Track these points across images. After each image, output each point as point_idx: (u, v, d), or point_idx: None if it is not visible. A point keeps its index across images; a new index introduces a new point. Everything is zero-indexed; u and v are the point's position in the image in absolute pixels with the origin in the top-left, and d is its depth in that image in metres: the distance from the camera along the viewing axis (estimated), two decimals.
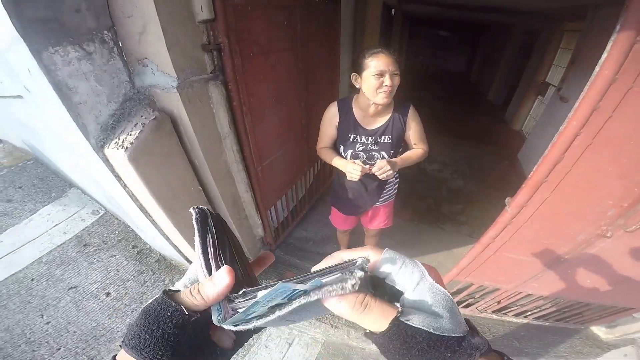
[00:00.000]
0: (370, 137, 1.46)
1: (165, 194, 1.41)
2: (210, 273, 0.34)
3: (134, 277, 2.37)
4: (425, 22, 12.02)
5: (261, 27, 1.47)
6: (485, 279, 1.74)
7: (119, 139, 1.20)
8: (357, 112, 1.46)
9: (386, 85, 1.26)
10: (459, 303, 2.10)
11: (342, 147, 1.53)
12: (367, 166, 1.39)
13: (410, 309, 0.30)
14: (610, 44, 0.85)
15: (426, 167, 4.13)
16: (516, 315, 2.12)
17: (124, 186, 1.40)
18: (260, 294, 0.29)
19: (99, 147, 1.24)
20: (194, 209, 0.38)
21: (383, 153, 1.48)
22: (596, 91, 0.89)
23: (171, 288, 0.36)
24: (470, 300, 2.07)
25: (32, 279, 2.52)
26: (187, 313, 0.32)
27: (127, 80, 1.24)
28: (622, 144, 0.97)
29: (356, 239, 2.43)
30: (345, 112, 1.47)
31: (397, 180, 1.77)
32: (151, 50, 1.16)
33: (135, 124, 1.21)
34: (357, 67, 1.32)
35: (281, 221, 2.52)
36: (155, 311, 0.32)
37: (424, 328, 0.28)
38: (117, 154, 1.20)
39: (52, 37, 0.98)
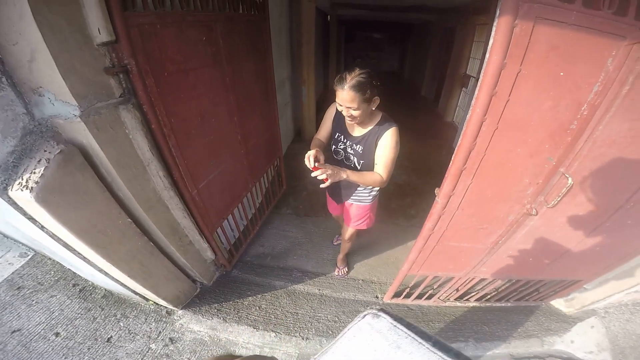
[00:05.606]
0: (349, 142, 1.54)
1: (89, 231, 1.31)
2: None
3: (82, 314, 2.21)
4: (358, 26, 12.45)
5: (175, 45, 1.41)
6: (437, 269, 1.76)
7: (22, 179, 1.11)
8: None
9: (346, 115, 1.34)
10: (420, 296, 2.12)
11: (332, 141, 1.65)
12: (313, 164, 1.37)
13: None
14: (493, 29, 0.87)
15: None
16: (478, 299, 2.16)
17: (41, 227, 1.30)
18: None
19: (2, 190, 1.14)
20: None
21: (355, 159, 1.54)
22: (490, 77, 0.91)
23: None
24: (430, 292, 2.08)
25: None
26: None
27: (24, 112, 1.13)
28: (524, 124, 1.00)
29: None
30: (340, 114, 1.51)
31: (373, 188, 1.72)
32: (45, 78, 1.07)
33: (39, 160, 1.12)
34: None
35: (233, 242, 2.42)
36: None
37: None
38: (22, 195, 1.10)
39: None
